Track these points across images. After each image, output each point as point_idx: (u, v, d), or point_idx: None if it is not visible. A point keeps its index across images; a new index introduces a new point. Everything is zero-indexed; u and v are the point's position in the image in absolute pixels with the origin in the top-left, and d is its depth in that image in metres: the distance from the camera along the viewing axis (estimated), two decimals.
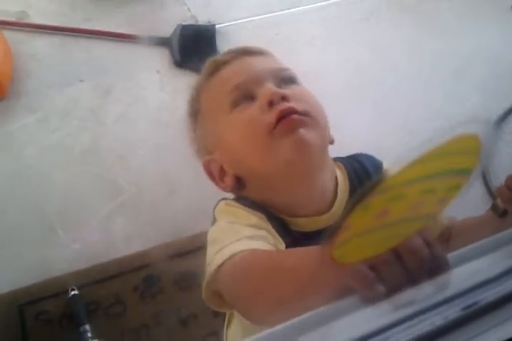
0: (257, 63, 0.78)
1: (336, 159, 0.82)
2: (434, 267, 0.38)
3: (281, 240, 0.69)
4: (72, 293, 1.19)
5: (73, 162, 1.50)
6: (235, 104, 0.73)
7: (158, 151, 1.54)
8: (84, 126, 1.60)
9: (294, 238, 0.72)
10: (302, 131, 0.68)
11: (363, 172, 0.80)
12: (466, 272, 0.38)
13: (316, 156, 0.71)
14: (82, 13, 2.00)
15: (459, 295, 0.35)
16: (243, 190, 0.77)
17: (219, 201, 0.79)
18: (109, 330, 1.17)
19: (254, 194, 0.76)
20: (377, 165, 0.81)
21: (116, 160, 1.51)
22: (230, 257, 0.61)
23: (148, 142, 1.56)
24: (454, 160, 0.34)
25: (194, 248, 1.29)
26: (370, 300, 0.36)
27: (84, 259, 1.27)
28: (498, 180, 1.29)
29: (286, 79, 0.76)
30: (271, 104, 0.70)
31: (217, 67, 0.79)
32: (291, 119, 0.69)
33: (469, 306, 0.34)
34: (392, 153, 1.56)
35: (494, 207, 0.68)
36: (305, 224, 0.74)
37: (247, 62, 0.78)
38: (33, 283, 1.21)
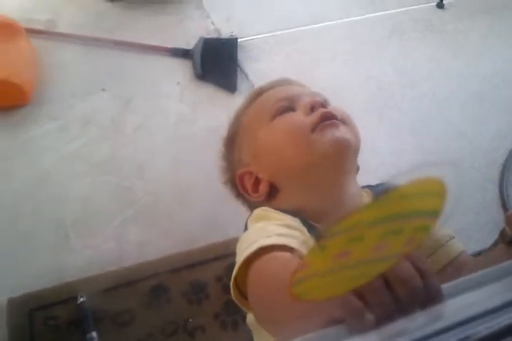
0: (297, 88, 0.88)
1: (365, 186, 0.87)
2: (427, 297, 0.37)
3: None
4: (81, 299, 1.20)
5: (91, 170, 1.52)
6: (278, 113, 0.80)
7: (175, 163, 1.55)
8: (104, 135, 1.62)
9: None
10: (343, 128, 0.76)
11: None
12: (461, 304, 0.36)
13: (351, 156, 0.78)
14: (108, 23, 2.04)
15: (452, 328, 0.34)
16: (276, 198, 0.79)
17: (252, 211, 0.80)
18: (115, 339, 1.17)
19: (286, 200, 0.78)
20: None
21: (133, 170, 1.53)
22: (257, 251, 0.60)
23: (166, 153, 1.58)
24: (419, 202, 0.34)
25: (205, 259, 1.30)
26: (358, 329, 0.35)
27: (96, 266, 1.28)
28: None
29: (324, 100, 0.85)
30: (312, 108, 0.77)
31: (261, 92, 0.88)
32: (332, 122, 0.76)
33: (462, 339, 0.34)
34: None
35: (502, 234, 0.67)
36: None
37: (287, 87, 0.87)
38: (44, 288, 1.23)
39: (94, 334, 1.15)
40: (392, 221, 0.33)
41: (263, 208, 0.77)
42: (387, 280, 0.37)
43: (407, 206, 0.33)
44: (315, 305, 0.37)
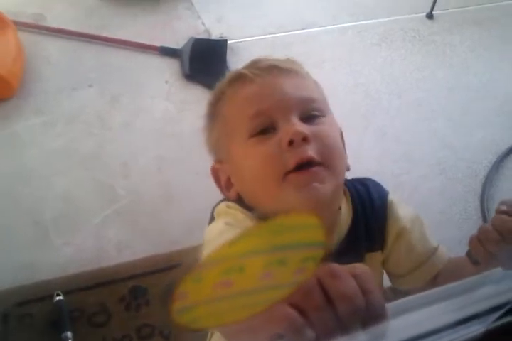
0: (286, 87, 0.73)
1: (346, 181, 0.80)
2: (369, 315, 0.36)
3: None
4: (58, 298, 1.18)
5: (75, 166, 1.50)
6: (254, 131, 0.70)
7: (160, 161, 1.54)
8: (90, 131, 1.61)
9: None
10: (316, 185, 0.66)
11: (367, 198, 0.78)
12: (405, 323, 0.36)
13: (325, 206, 0.70)
14: (97, 19, 2.02)
15: None
16: (244, 203, 0.77)
17: (220, 201, 0.79)
18: (90, 339, 1.16)
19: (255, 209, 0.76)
20: (382, 194, 0.80)
21: (117, 167, 1.51)
22: None
23: (151, 151, 1.57)
24: (295, 235, 0.35)
25: (185, 262, 1.28)
26: None
27: (74, 265, 1.26)
28: None
29: (313, 113, 0.72)
30: (291, 143, 0.67)
31: (243, 80, 0.74)
32: (307, 172, 0.66)
33: None
34: (393, 181, 1.56)
35: (469, 254, 0.66)
36: None
37: (274, 84, 0.73)
38: (21, 284, 1.21)
39: (69, 334, 1.14)
40: (270, 252, 0.34)
41: (229, 204, 0.76)
42: (328, 296, 0.36)
43: (281, 239, 0.34)
44: (258, 321, 0.37)
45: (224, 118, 0.77)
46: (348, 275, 0.37)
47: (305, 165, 0.67)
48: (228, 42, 1.92)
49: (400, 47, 2.05)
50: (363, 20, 2.14)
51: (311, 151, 0.67)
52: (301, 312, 0.36)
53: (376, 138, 1.71)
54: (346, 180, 0.79)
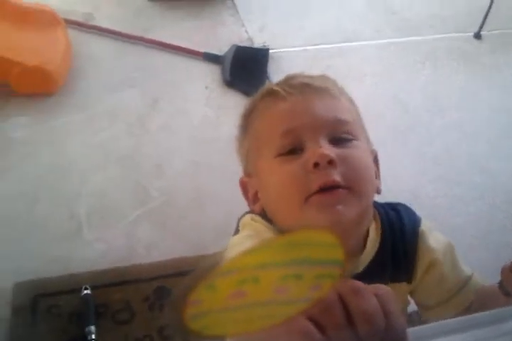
0: (317, 107, 0.72)
1: (376, 205, 0.78)
2: (388, 337, 0.36)
3: None
4: (85, 292, 1.21)
5: (111, 164, 1.54)
6: (283, 150, 0.70)
7: (194, 165, 1.57)
8: (128, 131, 1.64)
9: None
10: (340, 208, 0.65)
11: (397, 224, 0.76)
12: None
13: (348, 230, 0.68)
14: (144, 20, 2.07)
15: None
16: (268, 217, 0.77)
17: (245, 213, 0.80)
18: (113, 335, 1.18)
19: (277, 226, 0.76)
20: (415, 221, 0.78)
21: (152, 169, 1.54)
22: None
23: (186, 155, 1.59)
24: (312, 251, 0.35)
25: None
26: None
27: (104, 261, 1.29)
28: None
29: (343, 135, 0.71)
30: (316, 165, 0.66)
31: (276, 96, 0.74)
32: (332, 194, 0.65)
33: None
34: (428, 203, 1.54)
35: (500, 285, 0.65)
36: None
37: (306, 103, 0.72)
38: (52, 276, 1.24)
39: (92, 328, 1.16)
40: (287, 266, 0.34)
41: (253, 217, 0.77)
42: (348, 314, 0.36)
43: (298, 253, 0.34)
44: (275, 332, 0.36)
45: (254, 133, 0.77)
46: (370, 294, 0.37)
47: (329, 188, 0.65)
48: (270, 51, 1.94)
49: (444, 66, 2.02)
50: (407, 37, 2.13)
51: (336, 175, 0.66)
52: (319, 327, 0.35)
53: (414, 157, 1.68)
54: (377, 204, 0.78)
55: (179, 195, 1.49)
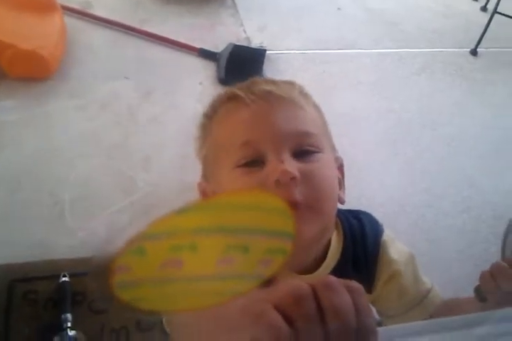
0: (281, 118, 0.67)
1: (339, 212, 0.75)
2: (358, 336, 0.35)
3: None
4: (63, 279, 1.19)
5: (98, 152, 1.52)
6: (242, 162, 0.66)
7: (182, 159, 1.55)
8: (119, 121, 1.63)
9: None
10: (300, 227, 0.61)
11: (359, 233, 0.74)
12: None
13: (309, 248, 0.67)
14: (142, 13, 2.06)
15: None
16: None
17: None
18: (89, 324, 1.16)
19: None
20: (377, 231, 0.76)
21: (140, 160, 1.53)
22: None
23: (175, 148, 1.58)
24: (258, 219, 0.31)
25: None
26: None
27: (85, 249, 1.27)
28: None
29: (307, 148, 0.67)
30: (277, 183, 0.62)
31: (238, 102, 0.70)
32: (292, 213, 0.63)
33: None
34: (415, 212, 1.54)
35: (477, 290, 0.64)
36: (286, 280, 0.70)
37: (268, 113, 0.67)
38: (30, 261, 1.22)
39: (69, 316, 1.14)
40: (229, 234, 0.31)
41: None
42: (320, 308, 0.35)
43: (241, 218, 0.31)
44: (236, 319, 0.35)
45: (214, 140, 0.72)
46: (344, 290, 0.36)
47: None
48: (267, 52, 1.94)
49: (439, 80, 2.05)
50: (404, 48, 2.15)
51: (297, 194, 0.62)
52: (288, 319, 0.34)
53: (402, 168, 1.68)
54: (340, 211, 0.75)
55: (165, 188, 1.48)
